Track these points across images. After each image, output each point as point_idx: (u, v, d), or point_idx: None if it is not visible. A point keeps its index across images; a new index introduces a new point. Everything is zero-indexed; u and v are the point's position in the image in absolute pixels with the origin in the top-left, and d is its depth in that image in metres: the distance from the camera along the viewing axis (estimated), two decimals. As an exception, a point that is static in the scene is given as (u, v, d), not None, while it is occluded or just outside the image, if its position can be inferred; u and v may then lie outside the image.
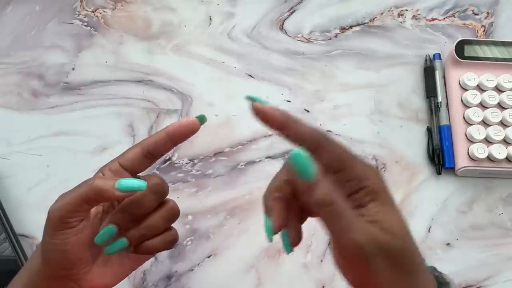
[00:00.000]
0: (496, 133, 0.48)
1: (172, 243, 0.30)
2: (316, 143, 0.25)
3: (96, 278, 0.30)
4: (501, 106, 0.50)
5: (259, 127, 0.51)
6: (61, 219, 0.27)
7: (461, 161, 0.48)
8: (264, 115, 0.26)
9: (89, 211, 0.29)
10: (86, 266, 0.29)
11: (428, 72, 0.53)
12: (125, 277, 0.32)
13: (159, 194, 0.29)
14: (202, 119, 0.30)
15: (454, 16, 0.57)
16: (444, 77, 0.53)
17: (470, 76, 0.50)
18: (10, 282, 0.30)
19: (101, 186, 0.27)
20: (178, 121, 0.30)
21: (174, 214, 0.30)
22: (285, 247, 0.28)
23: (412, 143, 0.51)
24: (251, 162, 0.50)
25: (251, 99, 0.26)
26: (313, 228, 0.48)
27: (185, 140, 0.30)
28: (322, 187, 0.24)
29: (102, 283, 0.30)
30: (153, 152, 0.30)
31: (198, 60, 0.55)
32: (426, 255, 0.47)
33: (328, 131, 0.52)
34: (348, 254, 0.25)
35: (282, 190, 0.28)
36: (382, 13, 0.57)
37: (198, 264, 0.46)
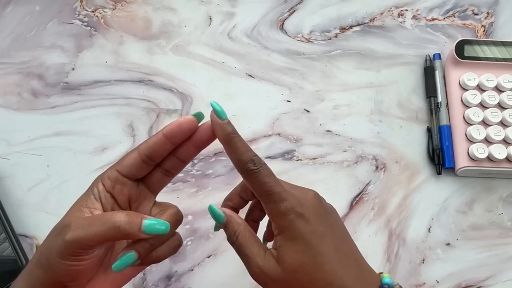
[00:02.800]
0: (496, 133, 0.48)
1: (177, 247, 0.30)
2: (241, 173, 0.30)
3: (96, 287, 0.30)
4: (501, 106, 0.50)
5: (259, 127, 0.52)
6: (79, 250, 0.26)
7: (461, 161, 0.48)
8: (213, 127, 0.30)
9: None
10: (89, 278, 0.29)
11: (428, 72, 0.53)
12: (124, 284, 0.32)
13: (176, 225, 0.30)
14: (199, 117, 0.30)
15: (454, 16, 0.57)
16: (444, 77, 0.53)
17: (470, 76, 0.50)
18: (11, 285, 0.29)
19: (128, 229, 0.26)
20: (176, 120, 0.29)
21: (179, 219, 0.30)
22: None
23: (412, 143, 0.51)
24: (251, 162, 0.50)
25: (213, 107, 0.29)
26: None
27: (185, 139, 0.30)
28: (228, 229, 0.31)
29: None
30: (151, 156, 0.30)
31: (198, 60, 0.55)
32: (426, 255, 0.47)
33: (328, 131, 0.52)
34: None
35: (234, 200, 0.35)
36: (382, 13, 0.57)
37: (198, 264, 0.46)
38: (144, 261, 0.29)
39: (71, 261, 0.26)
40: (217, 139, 0.30)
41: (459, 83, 0.51)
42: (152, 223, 0.27)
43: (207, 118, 0.30)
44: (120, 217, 0.26)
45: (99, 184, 0.30)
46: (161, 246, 0.29)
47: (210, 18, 0.57)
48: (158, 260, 0.29)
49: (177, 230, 0.31)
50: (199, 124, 0.30)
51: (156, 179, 0.31)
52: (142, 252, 0.28)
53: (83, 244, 0.26)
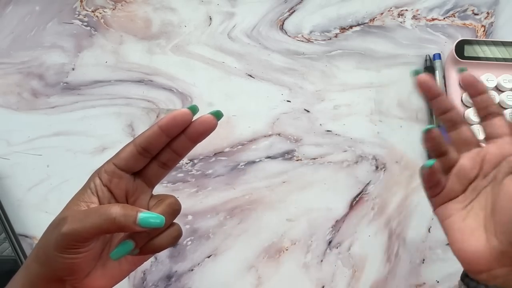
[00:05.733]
0: (496, 133, 0.48)
1: (177, 238, 0.30)
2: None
3: (94, 281, 0.30)
4: (501, 106, 0.50)
5: (259, 127, 0.52)
6: (75, 243, 0.26)
7: (461, 161, 0.48)
8: (472, 82, 0.34)
9: None
10: (87, 272, 0.29)
11: (428, 72, 0.53)
12: (123, 279, 0.32)
13: (175, 215, 0.30)
14: (194, 110, 0.30)
15: (454, 16, 0.57)
16: (444, 77, 0.53)
17: (470, 76, 0.50)
18: (8, 282, 0.30)
19: (123, 222, 0.26)
20: (171, 113, 0.29)
21: (176, 208, 0.30)
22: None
23: (412, 143, 0.51)
24: (251, 162, 0.50)
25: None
26: (313, 228, 0.48)
27: (180, 131, 0.30)
28: None
29: (100, 286, 0.30)
30: (147, 148, 0.30)
31: (198, 60, 0.55)
32: (426, 255, 0.47)
33: (328, 131, 0.52)
34: None
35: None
36: (382, 13, 0.57)
37: (198, 264, 0.46)
38: (143, 250, 0.29)
39: (68, 254, 0.27)
40: (211, 134, 0.30)
41: (459, 83, 0.51)
42: (147, 216, 0.27)
43: (202, 112, 0.30)
44: (116, 210, 0.26)
45: (95, 179, 0.30)
46: (159, 236, 0.29)
47: (210, 18, 0.57)
48: (156, 250, 0.29)
49: (179, 224, 0.31)
50: (194, 118, 0.30)
51: (152, 172, 0.31)
52: (139, 241, 0.28)
53: (79, 236, 0.26)
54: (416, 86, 0.33)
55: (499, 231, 0.28)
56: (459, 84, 0.51)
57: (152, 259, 0.47)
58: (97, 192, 0.29)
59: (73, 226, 0.26)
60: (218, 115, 0.30)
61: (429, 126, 0.33)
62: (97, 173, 0.30)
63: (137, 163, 0.30)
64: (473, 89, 0.34)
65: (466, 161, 0.33)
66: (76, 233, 0.26)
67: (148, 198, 0.31)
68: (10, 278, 0.30)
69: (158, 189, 0.48)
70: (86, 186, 0.30)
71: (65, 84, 0.53)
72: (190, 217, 0.48)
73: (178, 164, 0.50)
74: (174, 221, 0.30)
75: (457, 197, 0.33)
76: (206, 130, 0.30)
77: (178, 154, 0.31)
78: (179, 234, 0.30)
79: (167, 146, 0.31)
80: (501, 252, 0.28)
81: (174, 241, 0.30)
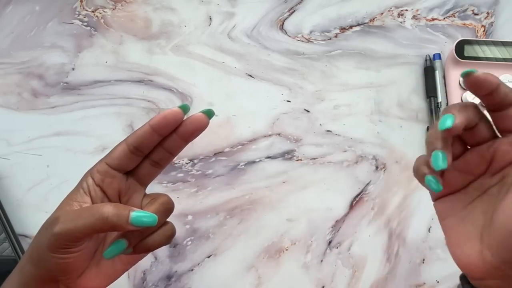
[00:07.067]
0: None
1: (171, 237, 0.30)
2: None
3: (88, 281, 0.30)
4: (501, 106, 0.50)
5: (259, 127, 0.52)
6: (68, 242, 0.26)
7: (461, 161, 0.48)
8: (481, 84, 0.26)
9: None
10: (80, 271, 0.29)
11: (428, 72, 0.53)
12: (117, 279, 0.32)
13: (168, 214, 0.30)
14: (185, 109, 0.30)
15: (454, 16, 0.57)
16: (444, 77, 0.53)
17: (470, 76, 0.50)
18: (3, 283, 0.29)
19: (115, 221, 0.26)
20: (162, 112, 0.29)
21: (169, 207, 0.30)
22: (435, 186, 0.27)
23: (412, 143, 0.51)
24: (251, 162, 0.50)
25: (467, 74, 0.27)
26: (313, 228, 0.48)
27: (171, 130, 0.30)
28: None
29: (94, 286, 0.30)
30: (139, 148, 0.30)
31: (198, 60, 0.55)
32: (426, 255, 0.47)
33: (328, 131, 0.52)
34: None
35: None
36: (382, 13, 0.57)
37: (198, 264, 0.46)
38: (136, 250, 0.29)
39: (61, 253, 0.27)
40: (203, 132, 0.30)
41: (459, 83, 0.51)
42: (139, 215, 0.27)
43: (193, 111, 0.30)
44: (108, 209, 0.26)
45: (88, 179, 0.30)
46: (153, 235, 0.29)
47: (210, 18, 0.57)
48: (150, 249, 0.29)
49: (177, 230, 0.31)
50: (186, 117, 0.30)
51: (145, 171, 0.31)
52: (132, 240, 0.28)
53: (71, 236, 0.26)
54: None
55: (493, 246, 0.26)
56: (459, 84, 0.51)
57: (152, 259, 0.47)
58: (89, 192, 0.29)
59: (66, 225, 0.26)
60: (209, 113, 0.30)
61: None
62: (90, 173, 0.30)
63: (129, 162, 0.30)
64: (488, 87, 0.27)
65: (473, 155, 0.28)
66: (68, 232, 0.26)
67: (141, 197, 0.31)
68: (10, 278, 0.30)
69: (158, 190, 0.48)
70: (79, 186, 0.30)
71: (65, 84, 0.53)
72: (190, 217, 0.48)
73: (178, 164, 0.50)
74: (167, 220, 0.30)
75: (456, 192, 0.29)
76: (198, 128, 0.30)
77: (170, 153, 0.31)
78: (172, 233, 0.30)
79: (159, 145, 0.31)
80: (493, 267, 0.26)
81: (167, 240, 0.30)
